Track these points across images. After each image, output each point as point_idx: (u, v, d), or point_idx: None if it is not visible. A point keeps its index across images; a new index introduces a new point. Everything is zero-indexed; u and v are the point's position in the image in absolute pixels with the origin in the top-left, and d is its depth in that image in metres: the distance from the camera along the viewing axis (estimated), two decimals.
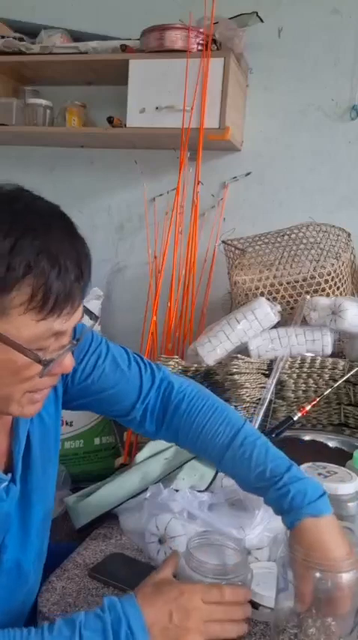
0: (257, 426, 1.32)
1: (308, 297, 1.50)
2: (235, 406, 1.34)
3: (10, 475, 0.78)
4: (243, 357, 1.37)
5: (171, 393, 0.92)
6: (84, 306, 0.70)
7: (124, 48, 1.89)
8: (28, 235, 0.61)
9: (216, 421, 0.87)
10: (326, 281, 1.52)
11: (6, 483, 0.77)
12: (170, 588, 0.72)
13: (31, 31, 2.05)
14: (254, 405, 1.37)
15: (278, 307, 1.50)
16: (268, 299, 1.52)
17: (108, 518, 1.11)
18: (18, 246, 0.61)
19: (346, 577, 0.68)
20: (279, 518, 0.96)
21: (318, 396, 1.32)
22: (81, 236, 0.68)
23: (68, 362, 0.70)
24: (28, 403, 0.71)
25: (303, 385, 1.39)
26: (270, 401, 1.36)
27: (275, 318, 1.47)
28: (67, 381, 0.88)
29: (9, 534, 0.79)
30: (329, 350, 1.43)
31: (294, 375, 1.39)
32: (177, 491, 1.05)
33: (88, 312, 0.72)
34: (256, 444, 0.84)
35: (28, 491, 0.82)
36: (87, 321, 0.73)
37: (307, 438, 1.33)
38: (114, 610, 0.67)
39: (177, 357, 1.47)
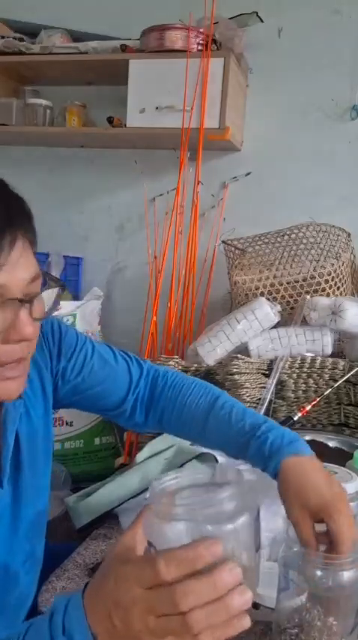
0: None
1: (308, 297, 1.50)
2: None
3: None
4: (243, 357, 1.37)
5: (158, 378, 0.96)
6: (44, 271, 0.67)
7: (124, 48, 1.89)
8: None
9: (197, 394, 0.92)
10: (326, 281, 1.52)
11: None
12: (107, 576, 0.52)
13: (31, 31, 2.05)
14: (254, 405, 1.37)
15: (278, 307, 1.50)
16: (268, 299, 1.52)
17: (108, 518, 1.11)
18: None
19: (347, 575, 0.68)
20: (279, 518, 0.96)
21: (318, 396, 1.32)
22: (15, 193, 0.67)
23: (23, 326, 0.62)
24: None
25: (303, 385, 1.39)
26: (270, 401, 1.36)
27: (275, 318, 1.47)
28: (57, 380, 0.88)
29: None
30: (329, 350, 1.43)
31: (294, 375, 1.39)
32: None
33: (49, 276, 0.68)
34: (234, 405, 0.88)
35: (17, 494, 0.80)
36: (56, 301, 0.68)
37: (307, 438, 1.33)
38: (54, 622, 0.52)
39: (177, 357, 1.47)
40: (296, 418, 1.27)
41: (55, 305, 0.69)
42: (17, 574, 0.82)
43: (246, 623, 0.50)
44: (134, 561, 0.51)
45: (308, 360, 1.39)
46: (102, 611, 0.50)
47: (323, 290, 1.52)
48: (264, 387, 1.37)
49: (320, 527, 0.69)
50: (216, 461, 1.15)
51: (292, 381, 1.39)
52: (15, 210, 0.64)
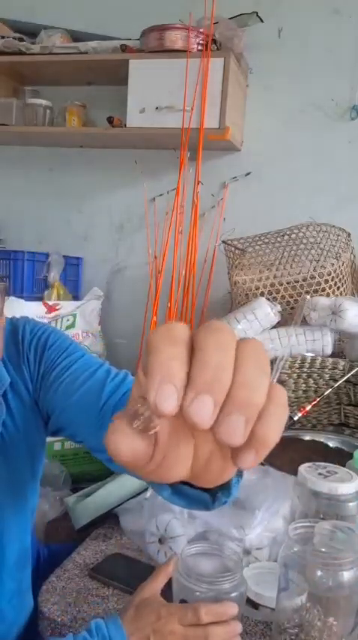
0: None
1: (308, 297, 1.50)
2: None
3: None
4: None
5: None
6: None
7: (124, 48, 1.89)
8: None
9: None
10: (326, 281, 1.52)
11: None
12: (149, 612, 0.72)
13: (31, 31, 2.05)
14: None
15: (278, 307, 1.50)
16: (268, 299, 1.52)
17: (108, 518, 1.11)
18: None
19: (347, 575, 0.68)
20: (279, 518, 0.96)
21: (318, 396, 1.32)
22: None
23: None
24: None
25: (303, 385, 1.39)
26: None
27: (275, 318, 1.47)
28: (37, 390, 0.77)
29: None
30: (329, 350, 1.43)
31: (294, 375, 1.39)
32: None
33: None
34: None
35: None
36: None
37: (307, 438, 1.33)
38: (101, 633, 0.69)
39: None
40: (296, 418, 1.27)
41: None
42: (3, 611, 0.80)
43: None
44: (176, 606, 0.72)
45: (308, 360, 1.39)
46: (142, 634, 0.69)
47: (323, 290, 1.52)
48: None
49: None
50: None
51: (292, 381, 1.39)
52: None
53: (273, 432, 0.31)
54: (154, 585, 0.77)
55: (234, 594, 0.73)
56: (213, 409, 0.30)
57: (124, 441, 0.32)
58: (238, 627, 0.71)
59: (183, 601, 0.74)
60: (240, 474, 0.47)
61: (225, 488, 0.47)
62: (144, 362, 0.32)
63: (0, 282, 0.64)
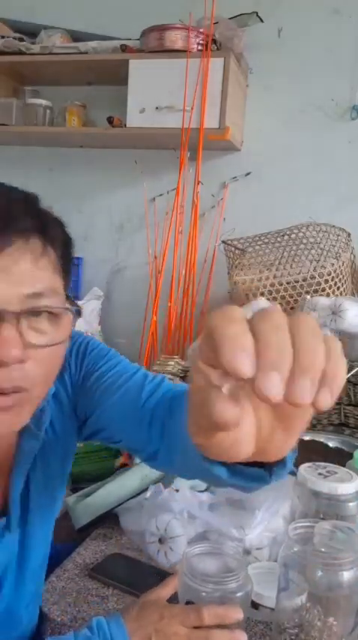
0: None
1: (308, 297, 1.50)
2: None
3: (4, 519, 0.72)
4: None
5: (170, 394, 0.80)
6: (67, 294, 0.60)
7: (124, 48, 1.89)
8: None
9: None
10: (326, 281, 1.52)
11: None
12: (152, 611, 0.71)
13: (31, 31, 2.05)
14: None
15: (278, 307, 1.50)
16: (268, 299, 1.52)
17: (108, 518, 1.11)
18: None
19: (347, 575, 0.68)
20: (279, 518, 0.96)
21: None
22: (16, 187, 0.61)
23: (3, 344, 0.52)
24: None
25: None
26: None
27: None
28: (81, 416, 0.78)
29: (4, 583, 0.75)
30: None
31: None
32: (177, 491, 1.05)
33: (68, 300, 0.60)
34: None
35: (25, 538, 0.76)
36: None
37: (307, 438, 1.33)
38: (102, 630, 0.68)
39: (177, 357, 1.47)
40: None
41: (66, 334, 0.59)
42: (21, 617, 0.81)
43: None
44: (179, 607, 0.71)
45: None
46: (144, 633, 0.68)
47: (323, 290, 1.52)
48: None
49: None
50: None
51: None
52: (20, 211, 0.57)
53: (338, 370, 0.36)
54: (161, 592, 0.76)
55: (239, 594, 0.72)
56: (281, 384, 0.34)
57: (224, 405, 0.36)
58: (243, 637, 0.69)
59: (189, 602, 0.73)
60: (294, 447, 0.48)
61: (281, 461, 0.49)
62: (203, 345, 0.36)
63: (76, 308, 0.61)
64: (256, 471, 0.50)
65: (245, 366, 0.33)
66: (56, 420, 0.76)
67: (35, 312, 0.55)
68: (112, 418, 0.75)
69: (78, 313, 0.60)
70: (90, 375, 0.76)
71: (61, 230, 0.63)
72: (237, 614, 0.69)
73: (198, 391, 0.38)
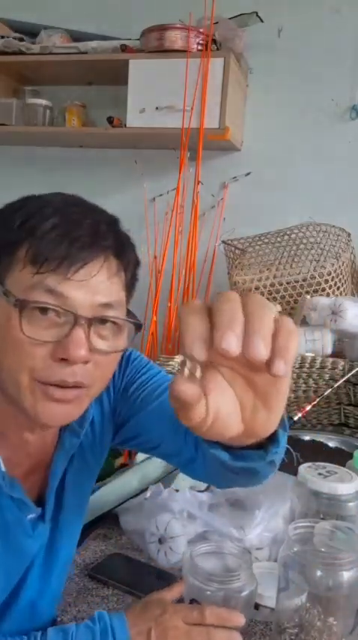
0: None
1: (308, 297, 1.50)
2: None
3: (40, 510, 0.73)
4: None
5: None
6: (128, 310, 0.67)
7: (124, 48, 1.89)
8: (39, 200, 0.64)
9: None
10: (326, 281, 1.52)
11: (34, 515, 0.72)
12: (155, 607, 0.72)
13: (31, 31, 2.05)
14: None
15: (278, 307, 1.49)
16: (268, 299, 1.52)
17: (108, 518, 1.11)
18: (24, 204, 0.64)
19: (347, 575, 0.68)
20: (279, 518, 0.96)
21: (318, 396, 1.32)
22: (103, 210, 0.69)
23: (73, 343, 0.59)
24: (42, 396, 0.62)
25: (303, 385, 1.39)
26: None
27: None
28: (118, 420, 0.82)
29: (28, 575, 0.76)
30: (329, 350, 1.43)
31: (294, 375, 1.39)
32: (177, 491, 1.05)
33: (130, 314, 0.67)
34: None
35: (55, 532, 0.78)
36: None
37: (307, 438, 1.33)
38: (103, 621, 0.69)
39: (177, 357, 1.47)
40: (296, 418, 1.27)
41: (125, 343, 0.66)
42: (43, 612, 0.82)
43: None
44: (183, 605, 0.73)
45: (308, 360, 1.39)
46: (145, 626, 0.69)
47: (323, 290, 1.52)
48: None
49: None
50: None
51: (292, 381, 1.39)
52: (98, 221, 0.65)
53: (289, 341, 0.42)
54: (166, 594, 0.76)
55: (244, 593, 0.72)
56: (237, 340, 0.40)
57: (182, 384, 0.43)
58: (235, 636, 0.70)
59: (193, 601, 0.73)
60: (284, 426, 0.56)
61: (274, 440, 0.56)
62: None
63: (137, 322, 0.68)
64: (253, 452, 0.57)
65: (200, 350, 0.41)
66: (96, 422, 0.80)
67: (103, 321, 0.63)
68: (150, 425, 0.80)
69: (138, 327, 0.68)
70: (132, 383, 0.81)
71: (134, 254, 0.71)
72: (240, 620, 0.70)
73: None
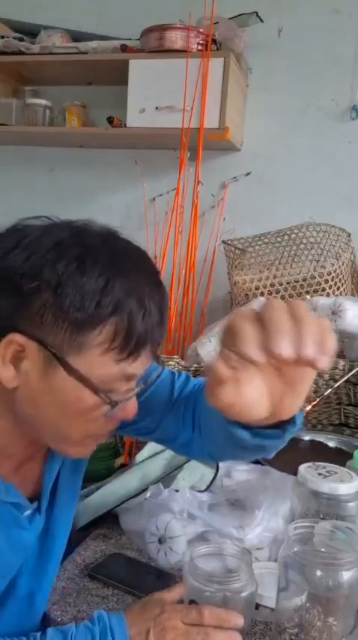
0: None
1: (308, 297, 1.50)
2: None
3: (36, 503, 0.76)
4: None
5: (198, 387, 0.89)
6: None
7: (124, 48, 1.89)
8: (120, 276, 0.62)
9: None
10: (326, 281, 1.52)
11: (29, 512, 0.74)
12: (154, 607, 0.72)
13: (31, 31, 2.05)
14: None
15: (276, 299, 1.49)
16: (268, 299, 1.52)
17: (109, 518, 1.11)
18: (110, 285, 0.61)
19: (347, 575, 0.68)
20: (279, 518, 0.96)
21: (318, 397, 1.32)
22: (162, 282, 0.69)
23: (131, 407, 0.68)
24: (89, 445, 0.70)
25: None
26: None
27: None
28: None
29: (26, 565, 0.77)
30: None
31: None
32: (177, 491, 1.05)
33: (156, 357, 0.71)
34: None
35: (52, 523, 0.80)
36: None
37: (307, 438, 1.33)
38: (102, 622, 0.69)
39: (177, 357, 1.47)
40: None
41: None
42: (41, 604, 0.83)
43: None
44: (181, 605, 0.72)
45: None
46: (143, 626, 0.69)
47: (323, 290, 1.52)
48: None
49: None
50: (216, 463, 1.15)
51: None
52: (165, 302, 0.68)
53: (331, 341, 0.49)
54: (166, 594, 0.76)
55: (244, 594, 0.71)
56: (291, 345, 0.48)
57: (223, 367, 0.52)
58: (239, 638, 0.69)
59: (192, 601, 0.73)
60: (300, 409, 0.63)
61: (292, 421, 0.64)
62: (224, 336, 0.52)
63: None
64: (272, 431, 0.64)
65: (259, 354, 0.49)
66: None
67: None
68: (147, 410, 0.81)
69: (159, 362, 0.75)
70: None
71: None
72: (238, 621, 0.69)
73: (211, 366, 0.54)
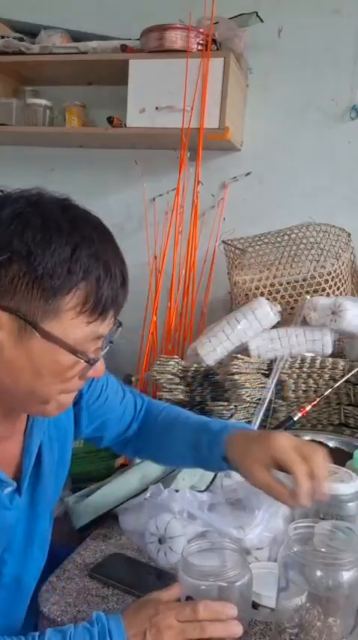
0: (257, 425, 1.32)
1: (308, 297, 1.50)
2: (235, 406, 1.34)
3: (15, 484, 0.77)
4: (243, 357, 1.37)
5: (152, 406, 1.05)
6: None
7: (124, 48, 1.89)
8: (85, 243, 0.66)
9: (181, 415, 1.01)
10: (326, 281, 1.52)
11: (10, 489, 0.76)
12: (149, 607, 0.72)
13: (31, 31, 2.05)
14: (254, 405, 1.37)
15: (278, 307, 1.49)
16: (268, 299, 1.52)
17: (108, 518, 1.11)
18: (77, 252, 0.64)
19: (347, 575, 0.68)
20: (279, 518, 0.96)
21: (318, 396, 1.32)
22: (118, 246, 0.73)
23: (101, 366, 0.72)
24: (64, 402, 0.73)
25: (303, 385, 1.39)
26: (270, 401, 1.36)
27: (276, 318, 1.47)
28: (79, 405, 0.92)
29: (10, 548, 0.78)
30: (329, 350, 1.43)
31: (294, 375, 1.39)
32: (177, 491, 1.05)
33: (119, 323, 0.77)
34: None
35: (34, 504, 0.81)
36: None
37: (307, 438, 1.33)
38: (100, 623, 0.70)
39: (177, 357, 1.47)
40: (296, 418, 1.27)
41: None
42: (29, 587, 0.84)
43: None
44: (176, 602, 0.73)
45: (308, 360, 1.39)
46: (140, 627, 0.69)
47: (323, 290, 1.52)
48: (264, 387, 1.37)
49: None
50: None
51: (292, 381, 1.39)
52: (125, 264, 0.73)
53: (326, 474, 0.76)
54: (163, 594, 0.76)
55: (238, 583, 0.72)
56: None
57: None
58: (238, 629, 0.69)
59: (189, 598, 0.73)
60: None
61: None
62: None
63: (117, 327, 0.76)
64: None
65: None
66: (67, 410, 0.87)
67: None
68: (101, 413, 0.95)
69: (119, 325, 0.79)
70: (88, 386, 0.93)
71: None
72: (232, 611, 0.70)
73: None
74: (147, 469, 1.20)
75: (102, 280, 0.66)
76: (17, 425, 0.79)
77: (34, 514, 0.81)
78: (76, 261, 0.64)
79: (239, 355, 1.38)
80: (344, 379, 1.35)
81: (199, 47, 1.80)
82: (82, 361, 0.68)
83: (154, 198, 2.09)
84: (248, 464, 0.79)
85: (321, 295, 1.51)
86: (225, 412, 1.34)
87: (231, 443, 0.84)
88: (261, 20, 1.89)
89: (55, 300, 0.64)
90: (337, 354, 1.47)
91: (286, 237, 1.70)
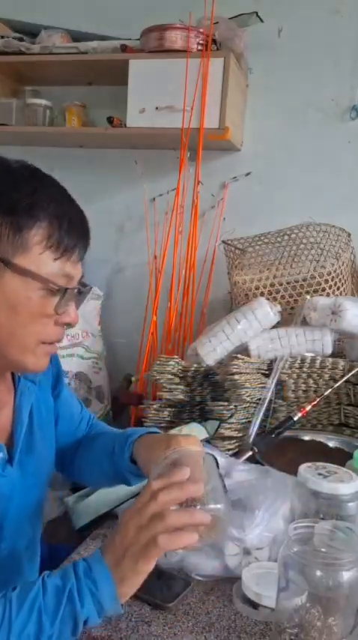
0: (257, 426, 1.32)
1: (308, 297, 1.50)
2: (235, 406, 1.34)
3: (6, 453, 0.80)
4: (243, 357, 1.37)
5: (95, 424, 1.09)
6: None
7: (124, 48, 1.89)
8: (44, 187, 0.74)
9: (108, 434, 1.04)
10: (326, 281, 1.52)
11: (1, 455, 0.78)
12: (117, 530, 0.70)
13: (31, 31, 2.05)
14: (254, 405, 1.37)
15: (278, 307, 1.49)
16: (268, 299, 1.52)
17: (108, 518, 1.11)
18: (39, 190, 0.72)
19: (347, 575, 0.68)
20: (279, 518, 0.96)
21: (318, 396, 1.32)
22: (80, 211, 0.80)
23: (74, 312, 0.76)
24: (42, 355, 0.77)
25: (303, 385, 1.39)
26: (270, 401, 1.36)
27: (276, 318, 1.47)
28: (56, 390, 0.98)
29: (5, 519, 0.79)
30: (329, 350, 1.43)
31: (294, 375, 1.39)
32: None
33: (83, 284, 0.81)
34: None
35: (26, 475, 0.83)
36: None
37: (307, 438, 1.33)
38: (91, 576, 0.70)
39: (177, 357, 1.47)
40: (296, 418, 1.27)
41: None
42: (21, 560, 0.85)
43: (193, 538, 0.66)
44: (132, 503, 0.72)
45: (308, 360, 1.39)
46: (111, 545, 0.68)
47: (323, 290, 1.52)
48: (264, 387, 1.37)
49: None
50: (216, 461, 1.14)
51: (292, 381, 1.39)
52: (85, 217, 0.79)
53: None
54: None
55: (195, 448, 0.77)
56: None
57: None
58: (205, 517, 0.67)
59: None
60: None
61: None
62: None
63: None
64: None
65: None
66: (45, 400, 0.93)
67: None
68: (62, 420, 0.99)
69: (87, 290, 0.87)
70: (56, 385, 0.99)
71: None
72: (182, 473, 0.69)
73: None
74: None
75: (62, 218, 0.72)
76: (7, 396, 0.82)
77: (25, 486, 0.83)
78: (37, 200, 0.71)
79: (239, 355, 1.38)
80: (344, 379, 1.35)
81: (199, 47, 1.80)
82: (56, 298, 0.72)
83: (154, 198, 2.09)
84: (148, 464, 0.80)
85: (321, 295, 1.51)
86: (225, 412, 1.34)
87: (138, 445, 0.87)
88: (261, 20, 1.89)
89: (21, 234, 0.69)
90: (337, 354, 1.47)
91: (286, 237, 1.70)
